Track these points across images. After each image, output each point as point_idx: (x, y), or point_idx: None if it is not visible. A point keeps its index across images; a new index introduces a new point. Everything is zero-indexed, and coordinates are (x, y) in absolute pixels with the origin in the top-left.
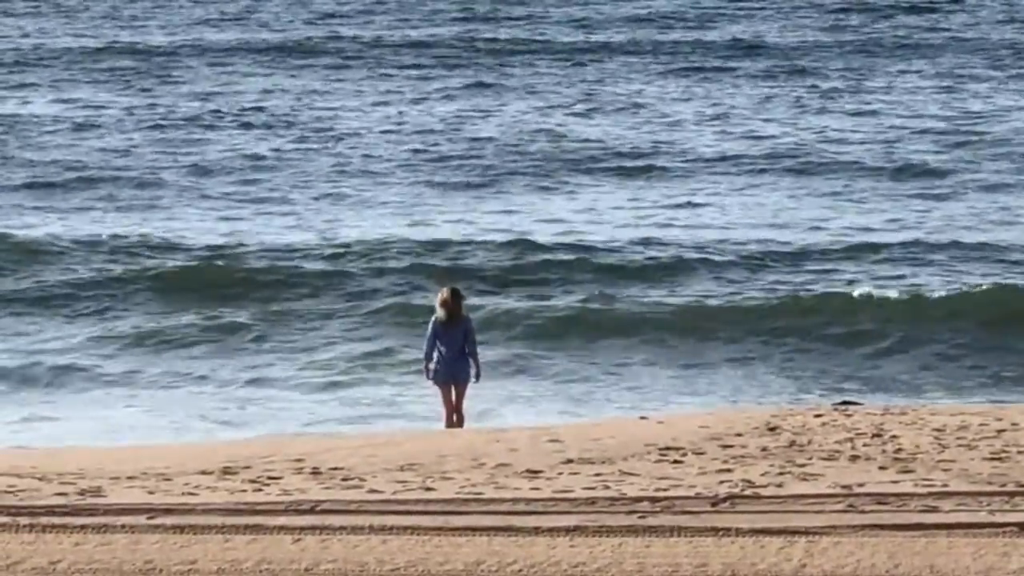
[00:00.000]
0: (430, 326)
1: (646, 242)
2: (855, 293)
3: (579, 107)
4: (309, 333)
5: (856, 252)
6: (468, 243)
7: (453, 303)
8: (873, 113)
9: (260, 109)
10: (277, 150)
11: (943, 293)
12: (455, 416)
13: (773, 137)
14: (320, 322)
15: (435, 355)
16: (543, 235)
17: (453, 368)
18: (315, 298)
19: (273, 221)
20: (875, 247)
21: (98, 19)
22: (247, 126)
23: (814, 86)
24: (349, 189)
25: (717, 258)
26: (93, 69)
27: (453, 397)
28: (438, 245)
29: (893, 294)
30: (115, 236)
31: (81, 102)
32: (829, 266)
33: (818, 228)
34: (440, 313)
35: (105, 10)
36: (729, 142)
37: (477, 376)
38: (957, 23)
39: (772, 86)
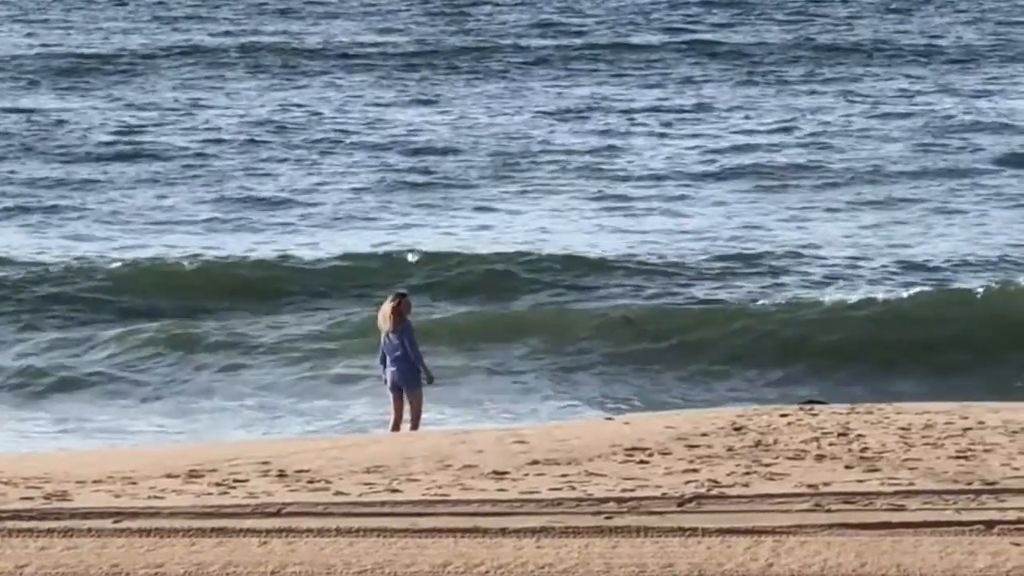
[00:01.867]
0: (382, 334)
1: (610, 246)
2: (821, 296)
3: (544, 112)
4: (272, 339)
5: (821, 257)
6: (426, 249)
7: (392, 309)
8: (839, 116)
9: (217, 115)
10: (235, 157)
11: (906, 296)
12: (412, 427)
13: (743, 143)
14: (283, 328)
15: (387, 361)
16: (508, 241)
17: (397, 374)
18: (277, 305)
19: (236, 229)
20: (839, 251)
21: (59, 23)
22: (205, 132)
23: (782, 90)
24: (309, 196)
25: (683, 261)
26: (54, 75)
27: (405, 403)
28: (400, 252)
29: (857, 297)
30: (74, 249)
31: (44, 111)
32: (795, 270)
33: (783, 233)
34: (379, 321)
35: (63, 13)
36: (695, 148)
37: (429, 379)
38: (922, 26)
39: (738, 89)
